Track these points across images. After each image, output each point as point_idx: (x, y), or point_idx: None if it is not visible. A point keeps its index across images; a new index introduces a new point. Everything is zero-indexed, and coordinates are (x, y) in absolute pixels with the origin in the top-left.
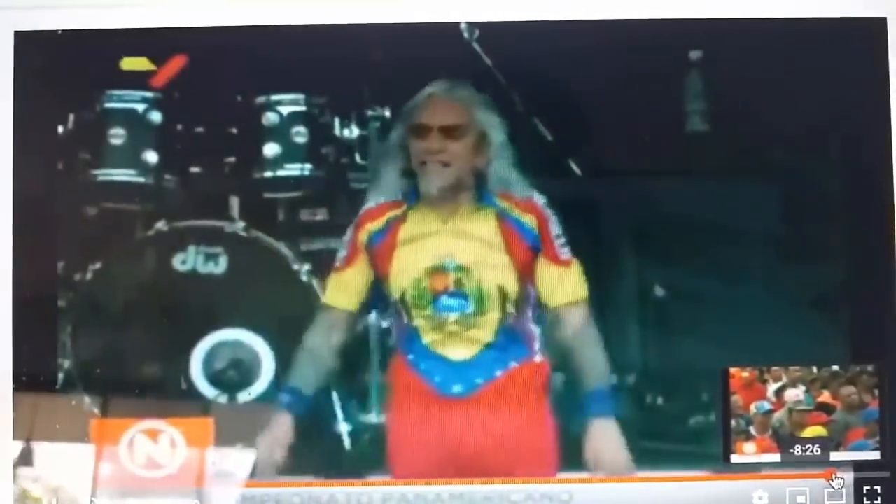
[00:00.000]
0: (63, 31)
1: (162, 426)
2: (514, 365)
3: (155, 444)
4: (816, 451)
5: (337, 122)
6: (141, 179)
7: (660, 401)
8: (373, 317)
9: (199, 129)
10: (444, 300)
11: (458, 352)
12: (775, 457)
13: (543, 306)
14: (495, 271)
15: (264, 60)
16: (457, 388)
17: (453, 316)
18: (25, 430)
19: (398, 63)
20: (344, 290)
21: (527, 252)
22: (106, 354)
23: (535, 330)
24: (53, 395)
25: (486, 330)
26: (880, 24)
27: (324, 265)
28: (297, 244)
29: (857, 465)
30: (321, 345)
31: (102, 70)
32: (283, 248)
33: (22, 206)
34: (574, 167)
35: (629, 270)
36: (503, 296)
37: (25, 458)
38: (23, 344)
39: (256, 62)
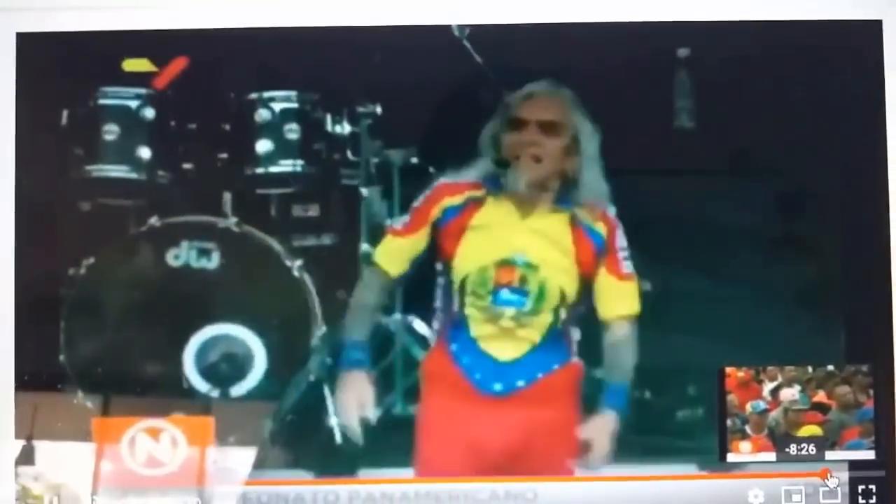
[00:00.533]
0: (65, 32)
1: (163, 425)
2: (556, 367)
3: (156, 443)
4: (812, 450)
5: (329, 118)
6: (134, 175)
7: (647, 395)
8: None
9: (192, 126)
10: (505, 294)
11: (505, 350)
12: (771, 456)
13: (596, 314)
14: (560, 274)
15: (257, 58)
16: (497, 387)
17: (510, 311)
18: (26, 429)
19: (389, 60)
20: (395, 254)
21: (592, 259)
22: (98, 349)
23: (576, 333)
24: (54, 393)
25: (536, 331)
26: (875, 26)
27: (316, 260)
28: (289, 240)
29: (852, 465)
30: (369, 298)
31: (104, 72)
32: (275, 243)
33: (18, 204)
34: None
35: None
36: (562, 299)
37: (26, 457)
38: (24, 342)
39: (249, 60)
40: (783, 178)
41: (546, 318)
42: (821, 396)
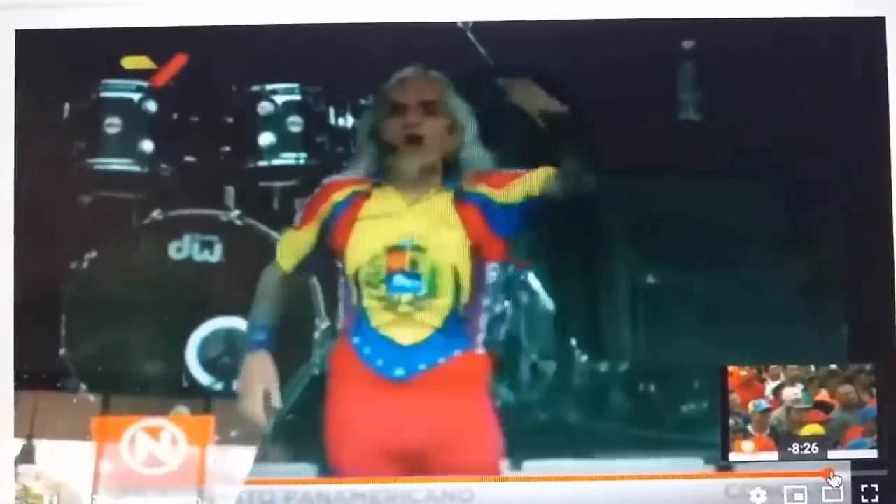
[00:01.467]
0: (65, 29)
1: (163, 423)
2: (457, 353)
3: (156, 442)
4: (814, 449)
5: (332, 111)
6: (136, 168)
7: (651, 388)
8: None
9: (195, 119)
10: (398, 279)
11: (406, 335)
12: (773, 455)
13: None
14: (451, 252)
15: (260, 51)
16: (399, 372)
17: (406, 296)
18: (26, 428)
19: (392, 52)
20: (288, 248)
21: (481, 222)
22: (100, 342)
23: (483, 323)
24: (54, 391)
25: (436, 314)
26: (879, 23)
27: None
28: None
29: (855, 464)
30: (268, 288)
31: (103, 69)
32: (278, 236)
33: (18, 199)
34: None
35: (621, 262)
36: (456, 278)
37: (26, 456)
38: (24, 338)
39: (252, 53)
40: (785, 176)
41: (445, 302)
42: (823, 395)
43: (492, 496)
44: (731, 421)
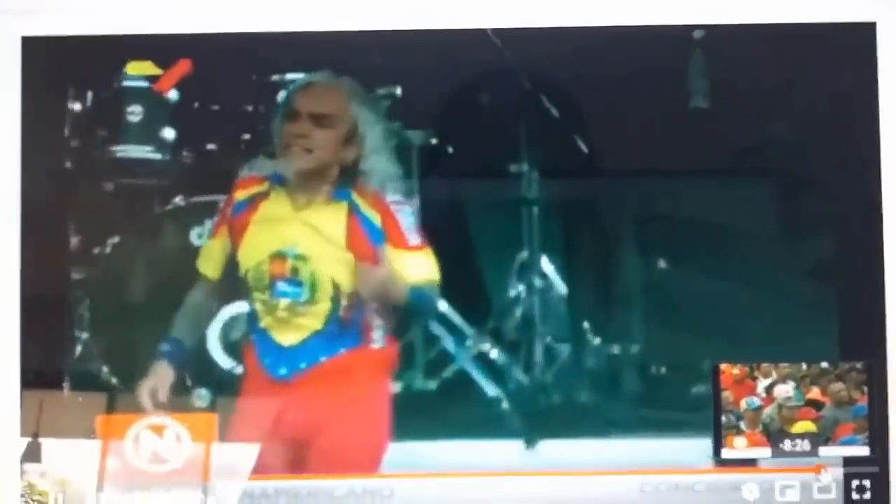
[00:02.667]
0: (69, 36)
1: (167, 421)
2: (343, 351)
3: (160, 439)
4: (806, 446)
5: None
6: (158, 156)
7: (663, 371)
8: None
9: (215, 107)
10: (281, 286)
11: (288, 336)
12: (765, 451)
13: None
14: (332, 264)
15: (278, 40)
16: (282, 371)
17: (285, 302)
18: (32, 426)
19: (408, 41)
20: (208, 257)
21: (367, 247)
22: (123, 325)
23: (375, 320)
24: (61, 386)
25: (315, 318)
26: (869, 28)
27: None
28: None
29: (847, 461)
30: (195, 301)
31: (108, 74)
32: None
33: (25, 196)
34: (581, 145)
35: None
36: (336, 288)
37: (32, 454)
38: (36, 329)
39: (271, 42)
40: (777, 177)
41: (325, 307)
42: (815, 393)
43: (411, 494)
44: (723, 418)
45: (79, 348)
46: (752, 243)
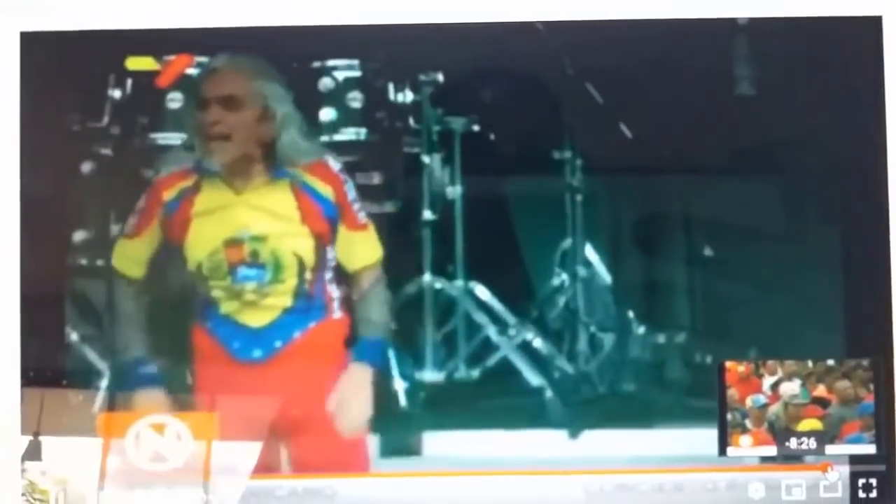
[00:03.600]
0: (68, 31)
1: (168, 420)
2: (312, 324)
3: (161, 438)
4: (812, 444)
5: (391, 87)
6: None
7: (707, 360)
8: (427, 277)
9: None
10: (242, 270)
11: (257, 318)
12: (771, 450)
13: (343, 269)
14: (291, 240)
15: (319, 30)
16: (256, 353)
17: (251, 285)
18: (33, 424)
19: (450, 30)
20: (129, 257)
21: (323, 221)
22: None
23: (334, 290)
24: (60, 387)
25: (284, 296)
26: (875, 22)
27: (379, 227)
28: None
29: (853, 459)
30: (126, 308)
31: (107, 70)
32: None
33: (24, 195)
34: (625, 131)
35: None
36: (301, 263)
37: (33, 452)
38: (36, 324)
39: (312, 31)
40: (782, 174)
41: (291, 283)
42: (821, 391)
43: (354, 494)
44: (729, 416)
45: (80, 345)
46: (756, 243)
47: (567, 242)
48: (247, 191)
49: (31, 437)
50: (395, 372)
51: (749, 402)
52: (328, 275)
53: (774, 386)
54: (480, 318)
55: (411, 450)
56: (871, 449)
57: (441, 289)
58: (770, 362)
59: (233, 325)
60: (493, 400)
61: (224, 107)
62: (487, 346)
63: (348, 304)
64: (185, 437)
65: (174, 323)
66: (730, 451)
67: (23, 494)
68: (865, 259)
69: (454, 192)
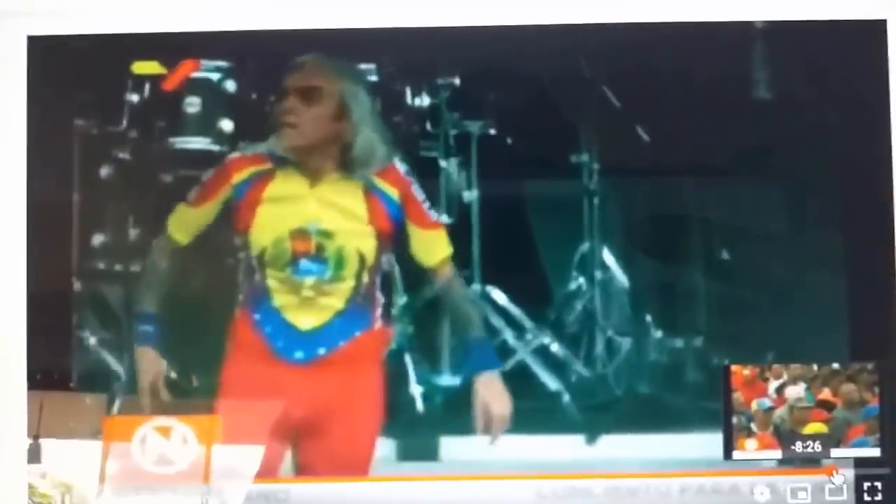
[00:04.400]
0: (75, 35)
1: (173, 423)
2: (358, 334)
3: (167, 441)
4: (817, 447)
5: (408, 91)
6: (216, 147)
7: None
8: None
9: (273, 98)
10: (304, 263)
11: (307, 319)
12: (776, 453)
13: (419, 266)
14: (357, 238)
15: (336, 34)
16: (298, 355)
17: (310, 280)
18: (36, 427)
19: (466, 34)
20: (184, 223)
21: (388, 222)
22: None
23: (381, 298)
24: (66, 390)
25: (338, 297)
26: (880, 26)
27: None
28: None
29: (858, 462)
30: (161, 266)
31: (113, 74)
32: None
33: (30, 197)
34: (643, 135)
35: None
36: (362, 263)
37: (36, 455)
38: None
39: (330, 36)
40: (787, 177)
41: (349, 284)
42: (826, 394)
43: (372, 497)
44: (734, 419)
45: (86, 348)
46: (761, 246)
47: (584, 246)
48: (320, 185)
49: (33, 441)
50: (412, 376)
51: (754, 405)
52: (378, 280)
53: (780, 389)
54: (497, 322)
55: (428, 454)
56: (875, 452)
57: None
58: (775, 366)
59: (281, 321)
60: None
61: (301, 98)
62: (504, 350)
63: (389, 314)
64: (191, 441)
65: (215, 306)
66: (735, 454)
67: (28, 498)
68: (870, 262)
69: (471, 195)
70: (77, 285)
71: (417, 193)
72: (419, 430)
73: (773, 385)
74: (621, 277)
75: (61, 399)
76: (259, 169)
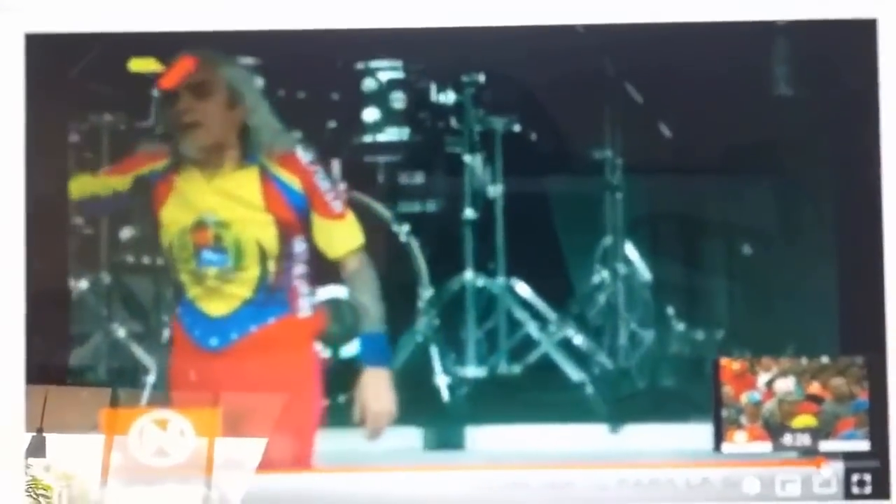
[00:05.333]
0: (74, 33)
1: (171, 416)
2: (273, 320)
3: (164, 433)
4: (806, 440)
5: (434, 87)
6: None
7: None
8: (469, 275)
9: (301, 95)
10: (206, 254)
11: (217, 306)
12: (766, 446)
13: (323, 258)
14: (254, 227)
15: (363, 31)
16: (213, 342)
17: (213, 270)
18: (36, 420)
19: (490, 33)
20: (91, 187)
21: (289, 210)
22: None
23: (304, 286)
24: (64, 383)
25: (245, 286)
26: (870, 25)
27: (421, 226)
28: (396, 206)
29: (847, 455)
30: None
31: (110, 70)
32: (383, 209)
33: (29, 195)
34: (665, 131)
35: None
36: (262, 252)
37: (37, 448)
38: (42, 321)
39: (357, 33)
40: (777, 175)
41: (252, 273)
42: (815, 388)
43: (400, 487)
44: (724, 412)
45: (127, 341)
46: (751, 241)
47: (607, 240)
48: (217, 177)
49: (34, 434)
50: (437, 367)
51: (744, 398)
52: (298, 269)
53: (769, 383)
54: (521, 314)
55: (454, 443)
56: (864, 445)
57: (483, 286)
58: (765, 359)
59: (196, 310)
60: (534, 395)
61: (193, 95)
62: (529, 343)
63: (326, 303)
64: (188, 433)
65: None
66: (724, 447)
67: (27, 491)
68: (859, 257)
69: (495, 190)
70: (117, 279)
71: (321, 183)
72: (445, 420)
73: (762, 378)
74: (644, 271)
75: (64, 393)
76: (165, 164)
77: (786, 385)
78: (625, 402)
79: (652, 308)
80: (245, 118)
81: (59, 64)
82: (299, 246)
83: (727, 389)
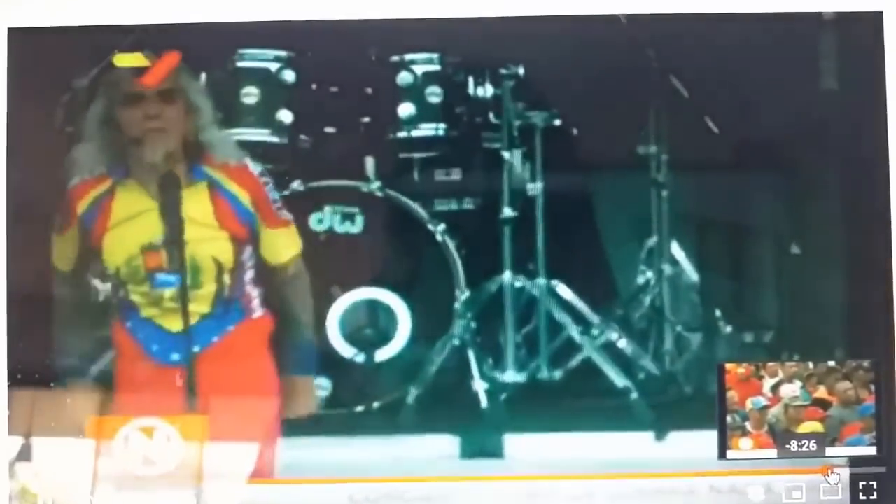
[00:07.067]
0: (56, 27)
1: (157, 423)
2: (231, 328)
3: (150, 441)
4: (812, 446)
5: (471, 81)
6: (276, 139)
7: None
8: (507, 276)
9: (334, 89)
10: (160, 277)
11: (176, 323)
12: (771, 452)
13: (266, 264)
14: (209, 244)
15: (400, 23)
16: (175, 357)
17: (169, 292)
18: (23, 427)
19: (532, 20)
20: (59, 252)
21: (239, 224)
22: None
23: (254, 290)
24: (49, 389)
25: (202, 303)
26: (876, 18)
27: (458, 225)
28: (431, 204)
29: (854, 461)
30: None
31: (95, 64)
32: (418, 207)
33: (25, 182)
34: (711, 126)
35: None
36: (219, 267)
37: (23, 455)
38: (23, 326)
39: (392, 24)
40: (783, 171)
41: (209, 289)
42: (821, 392)
43: (435, 495)
44: (728, 418)
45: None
46: (757, 242)
47: (652, 240)
48: (164, 195)
49: (21, 439)
50: (475, 372)
51: (749, 404)
52: (248, 275)
53: (775, 388)
54: (563, 317)
55: (492, 452)
56: (871, 451)
57: (522, 288)
58: (770, 364)
59: (153, 328)
60: (576, 401)
61: (161, 98)
62: (570, 347)
63: (270, 302)
64: (175, 440)
65: (96, 320)
66: (730, 454)
67: (12, 498)
68: (867, 259)
69: (535, 188)
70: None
71: (269, 193)
72: (482, 428)
73: (768, 383)
74: (690, 272)
75: (50, 398)
76: (100, 191)
77: (792, 390)
78: (671, 408)
79: (699, 310)
80: (195, 130)
81: (41, 58)
82: (247, 252)
83: (732, 395)
